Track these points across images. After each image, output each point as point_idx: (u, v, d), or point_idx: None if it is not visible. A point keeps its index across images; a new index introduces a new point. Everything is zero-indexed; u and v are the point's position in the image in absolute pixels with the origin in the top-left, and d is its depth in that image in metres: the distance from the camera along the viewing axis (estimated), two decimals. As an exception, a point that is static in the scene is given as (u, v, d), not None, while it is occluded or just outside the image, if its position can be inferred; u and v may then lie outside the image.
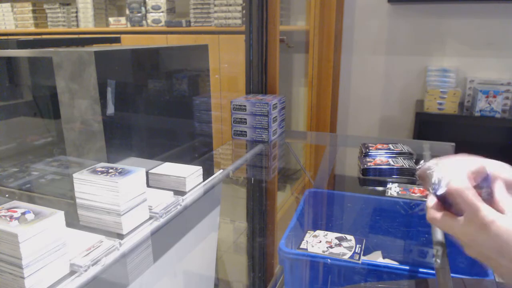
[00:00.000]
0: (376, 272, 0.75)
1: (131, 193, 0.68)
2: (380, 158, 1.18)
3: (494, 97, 2.15)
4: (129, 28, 3.10)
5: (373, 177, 1.12)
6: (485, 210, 0.48)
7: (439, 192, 0.52)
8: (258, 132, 1.37)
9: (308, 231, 0.90)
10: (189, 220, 0.86)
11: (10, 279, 0.52)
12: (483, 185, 0.54)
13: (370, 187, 1.14)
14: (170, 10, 3.05)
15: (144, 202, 0.72)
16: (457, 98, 2.26)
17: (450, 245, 0.69)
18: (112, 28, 3.19)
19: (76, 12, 3.33)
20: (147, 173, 0.87)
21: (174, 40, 2.88)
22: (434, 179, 0.54)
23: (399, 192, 0.99)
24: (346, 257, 0.79)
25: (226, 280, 1.32)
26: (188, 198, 0.84)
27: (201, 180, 0.92)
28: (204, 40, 2.78)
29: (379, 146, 1.24)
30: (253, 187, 1.33)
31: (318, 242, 0.84)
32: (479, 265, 0.77)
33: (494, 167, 0.55)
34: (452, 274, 0.56)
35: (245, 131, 1.39)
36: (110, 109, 0.78)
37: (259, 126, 1.36)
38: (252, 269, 1.25)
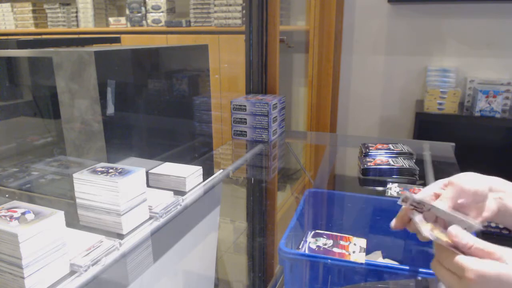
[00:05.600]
0: (376, 272, 0.75)
1: (131, 193, 0.68)
2: (380, 158, 1.18)
3: (494, 97, 2.15)
4: (129, 28, 3.10)
5: (373, 177, 1.12)
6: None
7: None
8: (258, 132, 1.37)
9: (308, 231, 0.89)
10: (189, 220, 0.86)
11: (10, 279, 0.52)
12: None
13: (370, 187, 1.14)
14: (170, 10, 3.05)
15: (144, 202, 0.72)
16: (457, 98, 2.26)
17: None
18: (112, 28, 3.19)
19: (76, 12, 3.33)
20: (147, 173, 0.87)
21: (174, 40, 2.88)
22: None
23: (399, 192, 0.99)
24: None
25: (226, 280, 1.32)
26: (188, 198, 0.84)
27: (201, 180, 0.92)
28: (204, 40, 2.78)
29: (379, 146, 1.24)
30: (253, 187, 1.33)
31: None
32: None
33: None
34: (452, 274, 0.56)
35: (245, 131, 1.39)
36: (110, 109, 0.78)
37: (259, 126, 1.36)
38: (252, 269, 1.25)
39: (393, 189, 1.01)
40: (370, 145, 1.26)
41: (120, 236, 0.67)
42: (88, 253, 0.59)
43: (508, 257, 0.44)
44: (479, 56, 2.42)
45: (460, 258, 0.45)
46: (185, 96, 1.07)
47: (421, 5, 2.45)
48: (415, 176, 1.10)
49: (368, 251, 0.94)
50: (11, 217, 0.53)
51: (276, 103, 1.39)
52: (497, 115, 2.17)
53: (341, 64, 2.71)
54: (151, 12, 3.02)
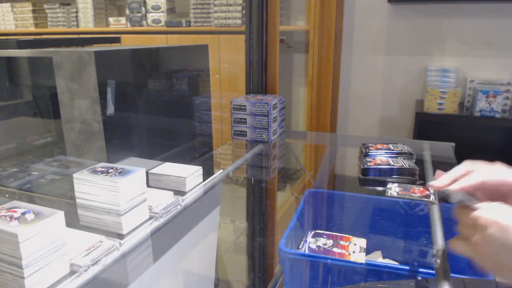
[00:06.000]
0: (376, 272, 0.75)
1: (131, 193, 0.68)
2: (380, 158, 1.18)
3: (494, 97, 2.15)
4: (129, 28, 3.10)
5: (373, 177, 1.12)
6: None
7: None
8: (258, 132, 1.37)
9: (308, 231, 0.90)
10: (189, 220, 0.86)
11: (10, 279, 0.52)
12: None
13: (370, 187, 1.14)
14: (170, 10, 3.05)
15: (144, 202, 0.72)
16: (457, 98, 2.26)
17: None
18: (112, 28, 3.19)
19: (76, 12, 3.33)
20: (147, 173, 0.87)
21: (174, 40, 2.88)
22: None
23: (399, 192, 0.99)
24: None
25: (226, 280, 1.32)
26: (188, 198, 0.84)
27: (201, 180, 0.92)
28: (204, 40, 2.78)
29: (379, 146, 1.24)
30: (253, 187, 1.33)
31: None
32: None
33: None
34: (452, 274, 0.56)
35: (245, 131, 1.39)
36: (110, 109, 0.78)
37: (259, 126, 1.36)
38: (252, 269, 1.25)
39: (393, 189, 1.01)
40: (370, 145, 1.26)
41: (120, 236, 0.67)
42: (88, 253, 0.59)
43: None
44: (479, 56, 2.42)
45: (475, 211, 0.53)
46: (185, 96, 1.07)
47: (421, 5, 2.45)
48: (415, 176, 1.10)
49: (368, 251, 0.94)
50: (11, 217, 0.53)
51: (276, 103, 1.39)
52: (497, 115, 2.17)
53: (341, 64, 2.71)
54: (151, 12, 3.02)
